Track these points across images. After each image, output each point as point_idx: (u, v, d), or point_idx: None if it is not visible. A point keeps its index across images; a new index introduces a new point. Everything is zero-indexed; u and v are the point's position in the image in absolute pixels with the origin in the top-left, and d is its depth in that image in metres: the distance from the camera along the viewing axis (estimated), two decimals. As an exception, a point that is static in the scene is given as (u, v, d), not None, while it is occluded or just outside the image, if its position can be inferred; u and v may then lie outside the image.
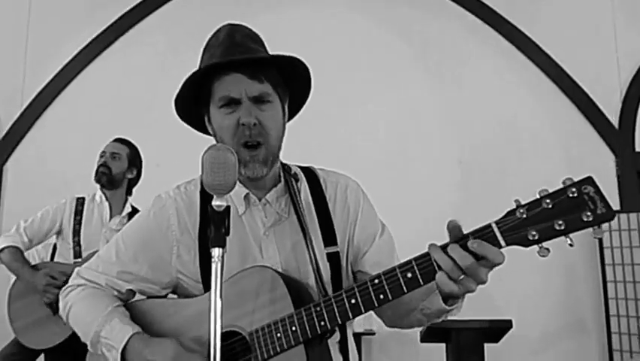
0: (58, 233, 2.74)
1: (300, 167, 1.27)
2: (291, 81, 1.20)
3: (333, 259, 1.17)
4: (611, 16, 3.79)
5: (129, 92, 3.84)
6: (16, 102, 3.89)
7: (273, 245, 1.16)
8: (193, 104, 1.20)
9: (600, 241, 3.40)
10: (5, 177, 3.84)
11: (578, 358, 3.48)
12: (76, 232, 2.69)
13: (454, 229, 0.93)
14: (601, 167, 3.65)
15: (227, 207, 0.87)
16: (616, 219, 3.31)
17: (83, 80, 3.93)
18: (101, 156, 2.76)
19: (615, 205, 3.55)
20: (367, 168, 3.50)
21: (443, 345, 2.88)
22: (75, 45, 3.93)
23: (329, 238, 1.18)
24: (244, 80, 1.11)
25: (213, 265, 0.82)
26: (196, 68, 1.16)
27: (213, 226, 0.85)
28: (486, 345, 2.75)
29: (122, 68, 3.92)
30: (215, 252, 0.83)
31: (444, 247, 0.91)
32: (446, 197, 3.65)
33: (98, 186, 2.80)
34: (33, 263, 2.70)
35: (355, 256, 1.22)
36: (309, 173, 1.25)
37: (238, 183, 1.15)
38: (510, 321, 2.72)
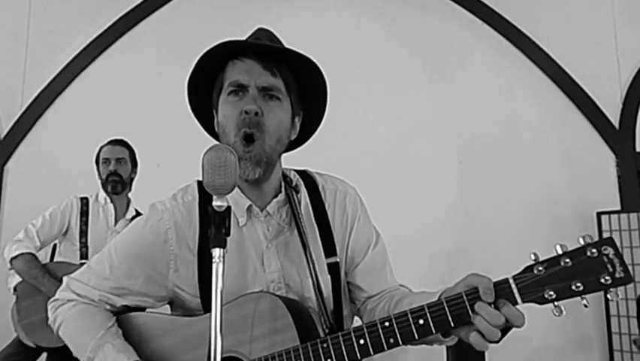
0: (64, 233, 2.73)
1: (296, 171, 1.25)
2: (307, 99, 1.17)
3: (334, 269, 1.15)
4: (611, 16, 3.79)
5: (129, 93, 3.84)
6: (16, 102, 3.88)
7: (275, 258, 1.14)
8: (206, 98, 1.17)
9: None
10: (5, 177, 3.83)
11: (578, 357, 3.49)
12: (83, 233, 2.69)
13: (471, 279, 0.91)
14: (601, 167, 3.65)
15: (228, 208, 0.85)
16: (616, 219, 3.36)
17: (84, 81, 3.93)
18: (105, 162, 2.75)
19: (615, 205, 3.55)
20: (367, 168, 3.51)
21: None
22: (75, 45, 3.93)
23: (329, 248, 1.16)
24: (256, 69, 1.08)
25: (214, 266, 0.80)
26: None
27: (214, 227, 0.83)
28: (486, 345, 2.75)
29: (122, 68, 3.92)
30: (216, 252, 0.81)
31: (469, 303, 0.89)
32: (446, 197, 3.65)
33: (100, 187, 2.80)
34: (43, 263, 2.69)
35: (348, 266, 1.21)
36: (307, 179, 1.23)
37: (240, 193, 1.13)
38: (510, 321, 2.72)
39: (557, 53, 3.76)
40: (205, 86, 1.16)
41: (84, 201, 2.77)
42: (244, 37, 1.17)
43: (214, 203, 0.85)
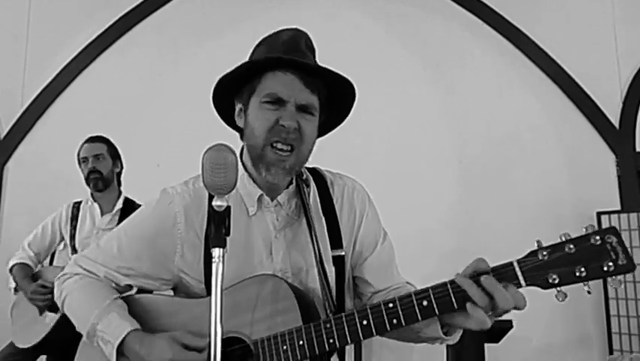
0: (62, 241, 2.77)
1: (306, 168, 1.26)
2: (331, 106, 1.19)
3: (339, 262, 1.16)
4: (611, 16, 3.79)
5: (129, 93, 3.84)
6: (16, 102, 3.89)
7: (282, 248, 1.15)
8: (234, 91, 1.18)
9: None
10: (5, 177, 3.84)
11: (578, 357, 3.49)
12: (72, 237, 2.71)
13: (478, 262, 0.92)
14: (601, 167, 3.65)
15: (228, 207, 0.86)
16: (616, 219, 3.35)
17: (83, 81, 3.93)
18: (84, 161, 2.74)
19: (615, 205, 3.55)
20: (367, 168, 3.50)
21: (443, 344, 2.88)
22: (75, 45, 3.93)
23: (335, 241, 1.17)
24: (297, 85, 1.09)
25: (214, 266, 0.82)
26: (246, 60, 1.14)
27: (213, 226, 0.84)
28: (486, 345, 2.75)
29: (121, 68, 3.92)
30: (216, 252, 0.82)
31: (474, 279, 0.90)
32: (446, 197, 3.65)
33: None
34: (37, 269, 2.74)
35: (356, 261, 1.22)
36: (317, 175, 1.25)
37: (252, 183, 1.15)
38: (510, 321, 2.72)
39: (557, 53, 3.76)
40: (235, 83, 1.17)
41: (76, 206, 2.78)
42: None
43: (214, 203, 0.86)
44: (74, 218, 2.73)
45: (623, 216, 3.37)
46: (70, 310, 1.18)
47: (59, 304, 1.21)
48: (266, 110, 1.09)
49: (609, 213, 3.44)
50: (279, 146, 1.08)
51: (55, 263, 2.84)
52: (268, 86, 1.10)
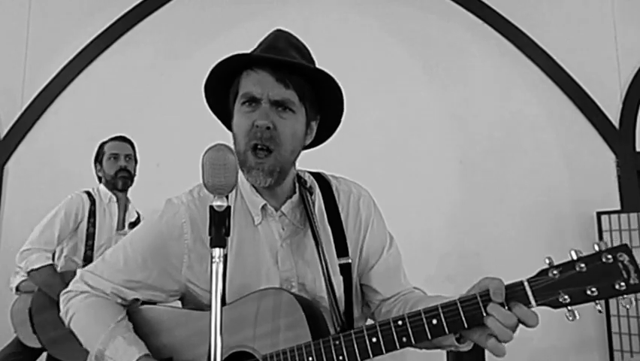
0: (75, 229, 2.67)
1: (310, 173, 1.26)
2: (324, 103, 1.17)
3: (346, 270, 1.16)
4: (611, 16, 3.79)
5: (129, 93, 3.84)
6: (16, 102, 3.88)
7: (289, 257, 1.15)
8: (225, 99, 1.17)
9: (600, 240, 3.41)
10: (5, 177, 3.83)
11: (578, 356, 3.49)
12: (90, 236, 2.64)
13: (491, 283, 0.91)
14: (601, 167, 3.65)
15: (228, 207, 0.86)
16: (616, 219, 3.36)
17: (84, 80, 3.93)
18: (113, 157, 2.71)
19: (615, 205, 3.55)
20: (367, 168, 3.50)
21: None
22: (75, 45, 3.93)
23: (341, 248, 1.17)
24: (269, 81, 1.07)
25: (214, 266, 0.81)
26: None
27: (214, 227, 0.84)
28: (486, 345, 2.75)
29: (122, 68, 3.91)
30: (216, 252, 0.82)
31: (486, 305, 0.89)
32: (446, 197, 3.65)
33: (98, 184, 2.77)
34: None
35: (362, 268, 1.21)
36: (321, 181, 1.24)
37: (255, 192, 1.15)
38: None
39: (557, 53, 3.76)
40: (222, 88, 1.17)
41: (92, 199, 2.70)
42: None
43: (214, 203, 0.86)
44: (92, 215, 2.66)
45: (623, 216, 3.37)
46: (76, 329, 1.18)
47: (65, 322, 1.20)
48: (243, 113, 1.09)
49: (609, 213, 3.44)
50: (258, 147, 1.07)
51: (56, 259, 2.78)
52: (243, 87, 1.10)
